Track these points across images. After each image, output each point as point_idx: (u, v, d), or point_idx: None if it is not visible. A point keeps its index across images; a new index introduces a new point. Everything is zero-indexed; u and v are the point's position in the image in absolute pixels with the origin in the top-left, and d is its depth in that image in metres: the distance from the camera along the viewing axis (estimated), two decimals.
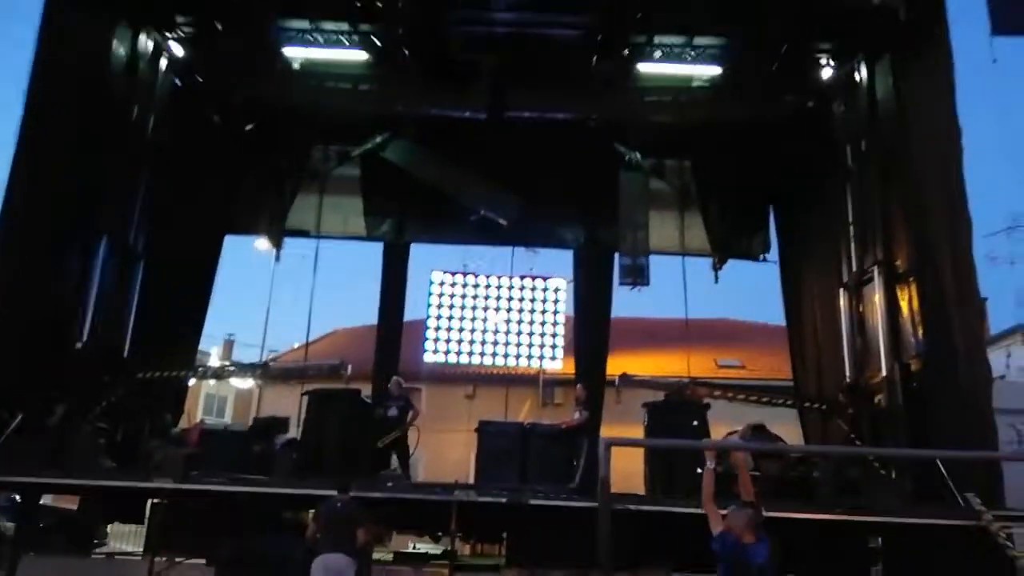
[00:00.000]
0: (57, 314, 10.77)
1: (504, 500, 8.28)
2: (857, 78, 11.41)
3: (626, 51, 11.73)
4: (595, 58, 11.81)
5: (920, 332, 9.39)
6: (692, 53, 11.77)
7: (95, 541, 10.39)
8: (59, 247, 10.78)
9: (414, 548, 10.65)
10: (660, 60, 11.86)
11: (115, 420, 10.60)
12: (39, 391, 10.06)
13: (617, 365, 13.18)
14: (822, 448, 10.96)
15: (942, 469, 7.96)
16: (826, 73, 11.79)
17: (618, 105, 12.73)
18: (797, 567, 7.51)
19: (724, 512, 4.78)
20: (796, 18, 10.94)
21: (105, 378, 11.11)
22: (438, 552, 9.63)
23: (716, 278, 13.61)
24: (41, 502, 10.66)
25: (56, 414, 9.78)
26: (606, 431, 11.70)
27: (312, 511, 7.36)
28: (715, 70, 12.00)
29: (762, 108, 12.64)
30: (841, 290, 11.39)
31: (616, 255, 12.84)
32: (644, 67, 11.99)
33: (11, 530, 9.96)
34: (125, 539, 10.99)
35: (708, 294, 14.51)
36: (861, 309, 10.91)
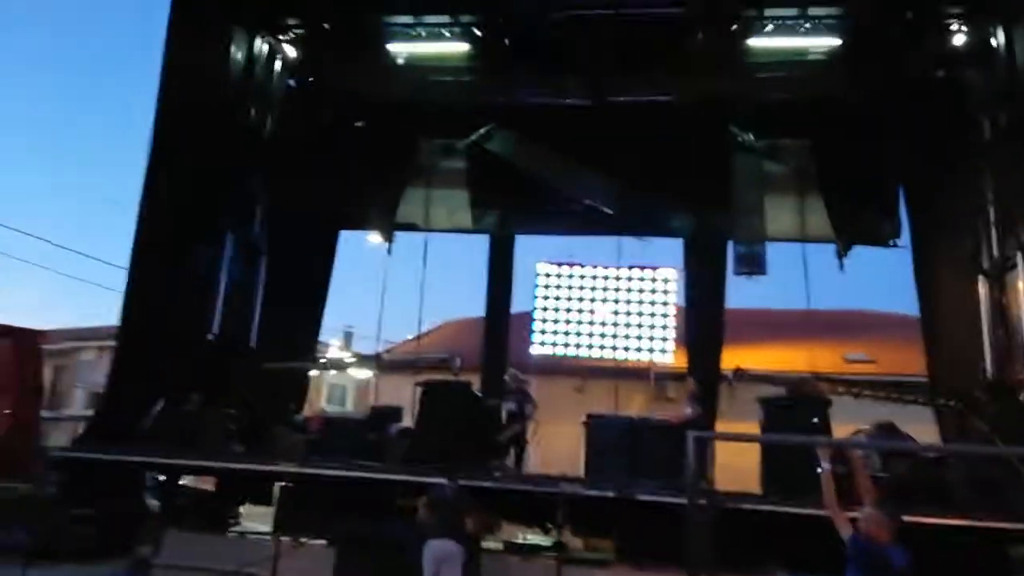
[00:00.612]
0: (191, 308, 11.64)
1: (611, 494, 8.17)
2: (993, 43, 10.39)
3: (735, 26, 11.24)
4: (701, 35, 11.36)
5: None
6: (807, 24, 11.17)
7: (230, 520, 11.14)
8: (190, 245, 11.61)
9: (524, 539, 10.72)
10: (772, 34, 11.32)
11: (244, 407, 11.28)
12: (177, 380, 10.93)
13: (733, 359, 12.69)
14: (952, 447, 10.10)
15: None
16: (958, 39, 10.87)
17: (728, 84, 12.25)
18: None
19: (853, 515, 4.52)
20: None
21: (234, 368, 11.92)
22: (548, 544, 9.64)
23: (841, 265, 12.78)
24: (182, 483, 11.57)
25: (192, 401, 10.57)
26: (720, 427, 11.35)
27: (422, 498, 7.57)
28: (833, 41, 11.31)
29: (886, 80, 11.81)
30: (981, 277, 10.44)
31: (730, 243, 12.38)
32: (755, 42, 11.46)
33: (156, 507, 10.89)
34: (257, 519, 11.70)
35: (833, 283, 13.72)
36: (1003, 299, 9.95)
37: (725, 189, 12.36)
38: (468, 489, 7.76)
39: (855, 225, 12.69)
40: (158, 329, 10.88)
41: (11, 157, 77.86)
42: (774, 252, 12.03)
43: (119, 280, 11.33)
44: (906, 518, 6.85)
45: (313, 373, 15.38)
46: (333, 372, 21.19)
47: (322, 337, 15.88)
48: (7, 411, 12.54)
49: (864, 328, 18.84)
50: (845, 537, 4.48)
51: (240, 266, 12.81)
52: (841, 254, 12.63)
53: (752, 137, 12.75)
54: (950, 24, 10.86)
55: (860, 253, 12.76)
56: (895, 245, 12.63)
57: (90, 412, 13.19)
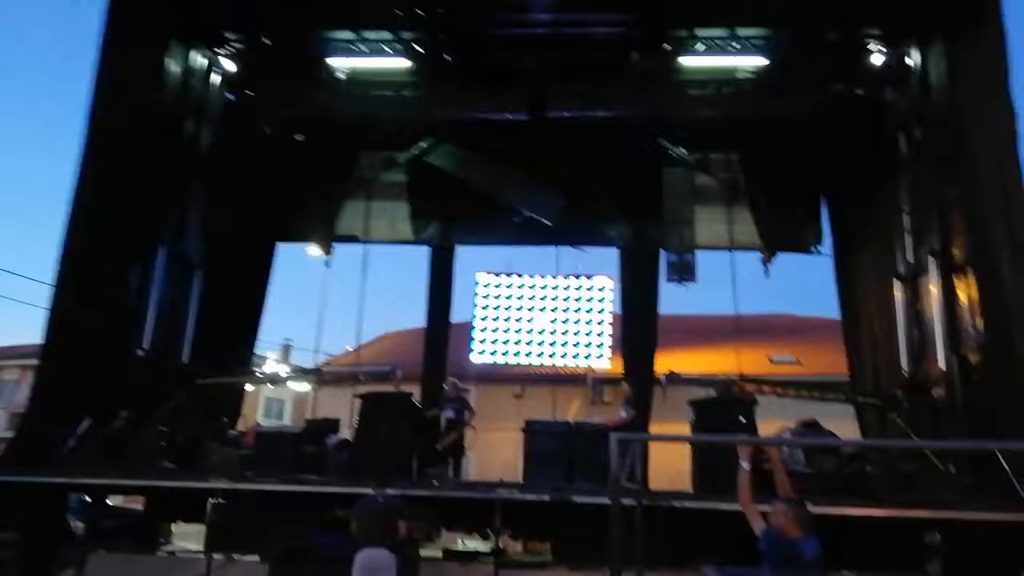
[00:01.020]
0: (120, 323, 11.30)
1: (547, 498, 8.29)
2: (909, 63, 11.03)
3: (667, 45, 11.60)
4: (635, 54, 11.71)
5: (979, 323, 9.01)
6: (736, 45, 11.57)
7: (160, 540, 10.80)
8: (121, 259, 11.30)
9: (463, 545, 10.74)
10: (703, 53, 11.70)
11: (175, 424, 10.99)
12: (105, 397, 10.59)
13: (666, 363, 13.06)
14: (870, 442, 10.61)
15: (1003, 462, 7.63)
16: (876, 60, 11.42)
17: (661, 100, 12.60)
18: (853, 564, 7.34)
19: (765, 510, 4.71)
20: (843, 4, 10.66)
21: (166, 384, 11.60)
22: (487, 549, 9.69)
23: (767, 272, 13.34)
24: (109, 503, 11.18)
25: (120, 419, 10.26)
26: (654, 429, 11.63)
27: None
28: (760, 61, 11.77)
29: (810, 98, 12.32)
30: (896, 281, 11.03)
31: (662, 252, 12.76)
32: (686, 60, 11.83)
33: (81, 529, 10.49)
34: (189, 538, 11.37)
35: (759, 289, 14.25)
36: (918, 301, 10.54)
37: (658, 200, 12.75)
38: (405, 498, 7.78)
39: (780, 233, 13.27)
40: (84, 346, 10.50)
41: None
42: (704, 260, 12.46)
43: (43, 296, 10.90)
44: (831, 510, 7.26)
45: (249, 388, 15.09)
46: (270, 386, 20.80)
47: (259, 350, 15.63)
48: None
49: (789, 331, 19.62)
50: (758, 532, 4.60)
51: (173, 280, 12.48)
52: (766, 261, 13.19)
53: (684, 151, 13.20)
54: (869, 45, 11.39)
55: (785, 260, 13.37)
56: (817, 252, 13.29)
57: (10, 434, 12.61)
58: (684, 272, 12.01)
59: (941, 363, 9.66)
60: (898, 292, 11.00)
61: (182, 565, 8.98)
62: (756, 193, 13.49)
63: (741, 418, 8.93)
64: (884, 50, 11.34)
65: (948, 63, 10.12)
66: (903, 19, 10.78)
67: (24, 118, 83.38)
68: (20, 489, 9.53)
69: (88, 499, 10.65)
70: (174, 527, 11.24)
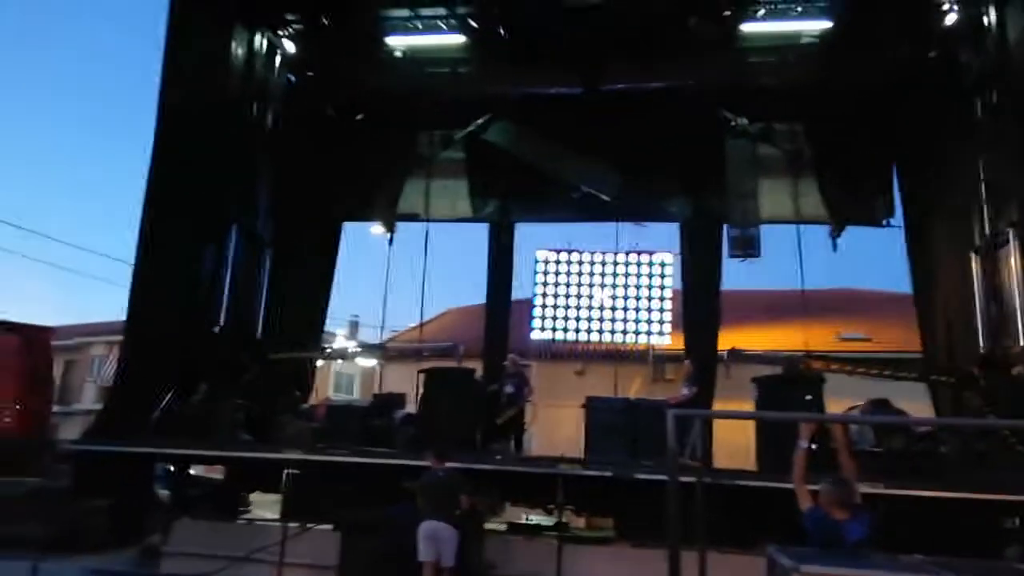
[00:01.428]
0: (198, 300, 11.84)
1: (609, 474, 8.37)
2: (985, 22, 10.41)
3: (727, 11, 11.29)
4: (693, 20, 11.42)
5: None
6: (799, 8, 11.20)
7: (240, 508, 11.38)
8: (196, 237, 11.79)
9: (527, 519, 10.95)
10: (764, 18, 11.35)
11: (251, 398, 11.49)
12: (185, 371, 11.15)
13: (730, 340, 12.86)
14: (940, 420, 10.24)
15: None
16: (949, 19, 10.87)
17: (720, 69, 12.29)
18: (922, 547, 7.19)
19: (816, 489, 4.68)
20: None
21: (242, 358, 12.13)
22: (549, 524, 9.86)
23: (835, 246, 12.92)
24: (191, 472, 11.81)
25: (200, 392, 10.80)
26: (717, 406, 11.52)
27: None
28: (825, 24, 11.35)
29: (879, 62, 11.83)
30: (973, 254, 10.56)
31: (725, 226, 12.52)
32: (747, 27, 11.51)
33: (166, 497, 11.14)
34: (266, 507, 11.94)
35: (827, 264, 13.86)
36: (996, 275, 10.07)
37: (720, 173, 12.48)
38: (467, 472, 7.99)
39: (849, 206, 12.81)
40: (165, 323, 11.07)
41: (13, 156, 78.33)
42: (768, 234, 12.18)
43: (126, 276, 11.48)
44: (900, 491, 7.13)
45: (319, 363, 15.60)
46: (339, 361, 21.44)
47: (328, 327, 16.09)
48: (18, 404, 12.85)
49: (858, 307, 19.02)
50: (804, 511, 4.66)
51: (245, 259, 12.99)
52: (835, 235, 12.77)
53: (746, 121, 12.86)
54: (942, 4, 10.87)
55: (854, 233, 12.90)
56: (888, 225, 12.76)
57: (100, 406, 13.43)
58: (748, 246, 11.74)
59: (1021, 339, 9.25)
60: (975, 266, 10.54)
61: (261, 532, 9.43)
62: (823, 164, 13.06)
63: (808, 396, 8.78)
64: (956, 7, 10.78)
65: None
66: None
67: (102, 99, 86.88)
68: (109, 459, 10.16)
69: (172, 469, 11.28)
70: (252, 496, 11.83)
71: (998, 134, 10.19)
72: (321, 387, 15.64)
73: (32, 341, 13.46)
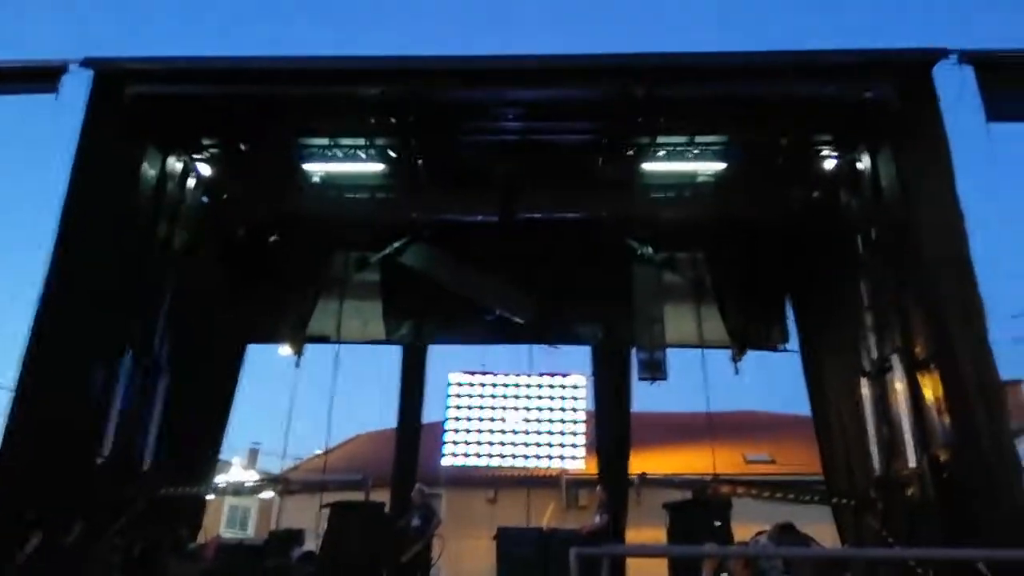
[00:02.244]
0: (81, 429, 10.94)
1: None
2: (860, 167, 11.51)
3: (631, 152, 12.08)
4: (601, 160, 12.19)
5: (946, 420, 9.08)
6: (695, 151, 12.05)
7: None
8: (85, 362, 11.07)
9: None
10: (664, 159, 12.19)
11: (132, 536, 10.50)
12: (59, 508, 10.12)
13: (641, 462, 12.91)
14: (847, 552, 10.34)
15: (984, 572, 7.52)
16: (829, 164, 11.96)
17: (626, 202, 13.01)
18: None
19: None
20: (793, 115, 11.23)
21: (125, 493, 11.15)
22: None
23: (736, 369, 13.44)
24: None
25: (74, 532, 9.79)
26: (630, 533, 11.36)
27: None
28: (719, 165, 12.28)
29: (770, 200, 12.81)
30: (863, 379, 11.13)
31: (633, 350, 12.85)
32: (649, 166, 12.30)
33: None
34: None
35: (731, 386, 14.30)
36: (885, 398, 10.62)
37: (628, 299, 12.95)
38: None
39: (747, 331, 13.46)
40: (42, 454, 10.13)
41: None
42: (674, 357, 12.54)
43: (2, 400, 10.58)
44: None
45: (211, 497, 14.52)
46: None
47: (224, 455, 15.13)
48: None
49: (763, 429, 19.61)
50: None
51: (138, 383, 12.24)
52: (736, 358, 13.33)
53: (651, 250, 13.53)
54: (821, 151, 11.92)
55: (756, 357, 13.49)
56: (784, 350, 13.46)
57: None
58: (655, 369, 12.04)
59: (911, 461, 9.64)
60: (865, 389, 11.06)
61: None
62: (722, 291, 13.78)
63: (717, 522, 8.79)
64: (836, 154, 11.88)
65: (896, 166, 10.50)
66: (850, 126, 11.33)
67: None
68: None
69: None
70: None
71: (878, 267, 11.06)
72: (212, 522, 14.49)
73: None
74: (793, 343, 13.46)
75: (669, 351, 12.51)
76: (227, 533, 19.75)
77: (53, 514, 10.04)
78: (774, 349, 13.54)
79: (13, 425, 10.22)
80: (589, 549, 5.09)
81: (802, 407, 13.12)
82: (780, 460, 17.24)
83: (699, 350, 13.82)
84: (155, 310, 12.73)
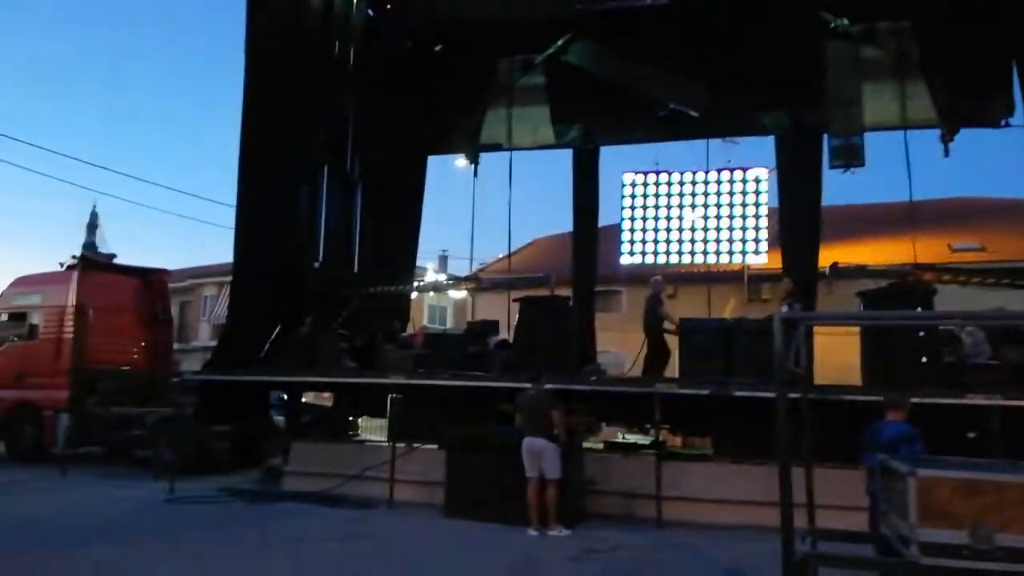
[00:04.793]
0: (296, 239, 12.38)
1: (706, 392, 8.34)
2: None
3: None
4: None
5: None
6: None
7: (349, 433, 12.11)
8: (290, 180, 12.23)
9: (622, 438, 11.13)
10: None
11: (353, 329, 12.03)
12: (290, 306, 11.77)
13: (831, 257, 12.32)
14: None
15: None
16: None
17: None
18: None
19: None
20: None
21: (341, 292, 12.67)
22: (646, 443, 9.98)
23: (946, 151, 11.90)
24: (304, 400, 12.60)
25: (305, 325, 11.39)
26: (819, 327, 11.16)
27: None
28: None
29: None
30: None
31: (825, 136, 11.82)
32: None
33: (282, 423, 11.96)
34: (373, 432, 12.65)
35: (936, 172, 12.92)
36: None
37: (819, 80, 11.69)
38: (560, 392, 8.17)
39: (962, 107, 11.78)
40: (268, 262, 11.67)
41: (126, 113, 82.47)
42: (872, 142, 11.37)
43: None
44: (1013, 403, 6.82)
45: (413, 295, 16.07)
46: (432, 294, 22.03)
47: (419, 261, 16.45)
48: (143, 342, 13.95)
49: (972, 216, 17.76)
50: None
51: (337, 198, 13.44)
52: (946, 139, 11.79)
53: (847, 22, 11.90)
54: None
55: (966, 137, 11.88)
56: (1007, 125, 11.72)
57: (215, 343, 14.42)
58: (851, 156, 11.00)
59: None
60: None
61: (371, 451, 10.02)
62: (932, 63, 11.98)
63: (918, 309, 8.37)
64: None
65: None
66: None
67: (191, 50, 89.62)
68: (228, 389, 10.97)
69: (286, 397, 12.06)
70: (360, 421, 12.54)
71: None
72: (416, 318, 16.11)
73: (151, 283, 14.49)
74: (1017, 118, 11.69)
75: (867, 135, 11.37)
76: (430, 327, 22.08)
77: (286, 312, 11.73)
78: (995, 125, 11.81)
79: (240, 240, 11.78)
80: (792, 314, 5.11)
81: (1017, 190, 11.66)
82: (991, 248, 15.67)
83: (901, 134, 12.40)
84: (342, 129, 13.57)
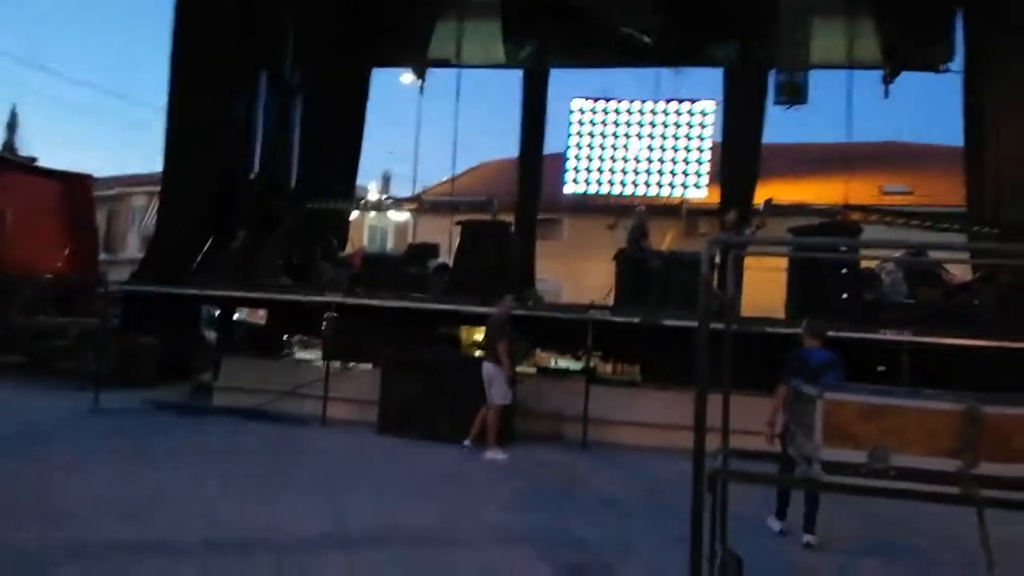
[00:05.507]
0: (231, 147, 11.85)
1: (637, 320, 8.53)
2: None
3: None
4: None
5: None
6: None
7: (282, 350, 11.97)
8: (226, 84, 11.61)
9: (555, 364, 11.34)
10: None
11: (290, 245, 11.74)
12: (223, 218, 11.38)
13: (768, 193, 12.55)
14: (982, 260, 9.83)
15: None
16: None
17: None
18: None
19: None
20: None
21: (278, 208, 12.28)
22: (578, 368, 10.20)
23: (886, 92, 12.18)
24: (236, 316, 12.34)
25: (239, 239, 11.04)
26: (750, 260, 11.43)
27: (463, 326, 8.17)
28: None
29: None
30: None
31: (772, 72, 11.84)
32: None
33: (213, 338, 11.74)
34: (306, 352, 12.54)
35: (875, 114, 13.18)
36: None
37: (771, 14, 11.64)
38: (507, 316, 8.22)
39: (906, 49, 11.96)
40: (200, 171, 11.19)
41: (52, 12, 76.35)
42: (816, 81, 11.47)
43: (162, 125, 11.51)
44: (932, 339, 7.21)
45: (353, 216, 15.73)
46: (373, 214, 21.67)
47: (360, 181, 16.07)
48: (66, 249, 13.35)
49: (904, 159, 18.32)
50: None
51: (276, 107, 12.86)
52: (888, 79, 12.00)
53: None
54: None
55: (907, 80, 12.11)
56: (947, 70, 11.96)
57: (144, 255, 13.92)
58: (794, 93, 11.10)
59: None
60: None
61: (305, 369, 9.97)
62: (882, 3, 12.07)
63: (844, 248, 8.64)
64: None
65: None
66: None
67: None
68: (157, 300, 10.65)
69: (217, 312, 11.80)
70: (293, 341, 12.39)
71: None
72: (355, 238, 15.85)
73: (72, 187, 13.77)
74: (957, 63, 11.91)
75: (812, 73, 11.44)
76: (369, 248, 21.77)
77: (219, 225, 11.35)
78: (935, 69, 12.03)
79: (172, 146, 11.23)
80: (721, 236, 5.16)
81: (949, 137, 12.01)
82: (919, 191, 16.23)
83: (842, 74, 12.53)
84: (282, 34, 12.88)
